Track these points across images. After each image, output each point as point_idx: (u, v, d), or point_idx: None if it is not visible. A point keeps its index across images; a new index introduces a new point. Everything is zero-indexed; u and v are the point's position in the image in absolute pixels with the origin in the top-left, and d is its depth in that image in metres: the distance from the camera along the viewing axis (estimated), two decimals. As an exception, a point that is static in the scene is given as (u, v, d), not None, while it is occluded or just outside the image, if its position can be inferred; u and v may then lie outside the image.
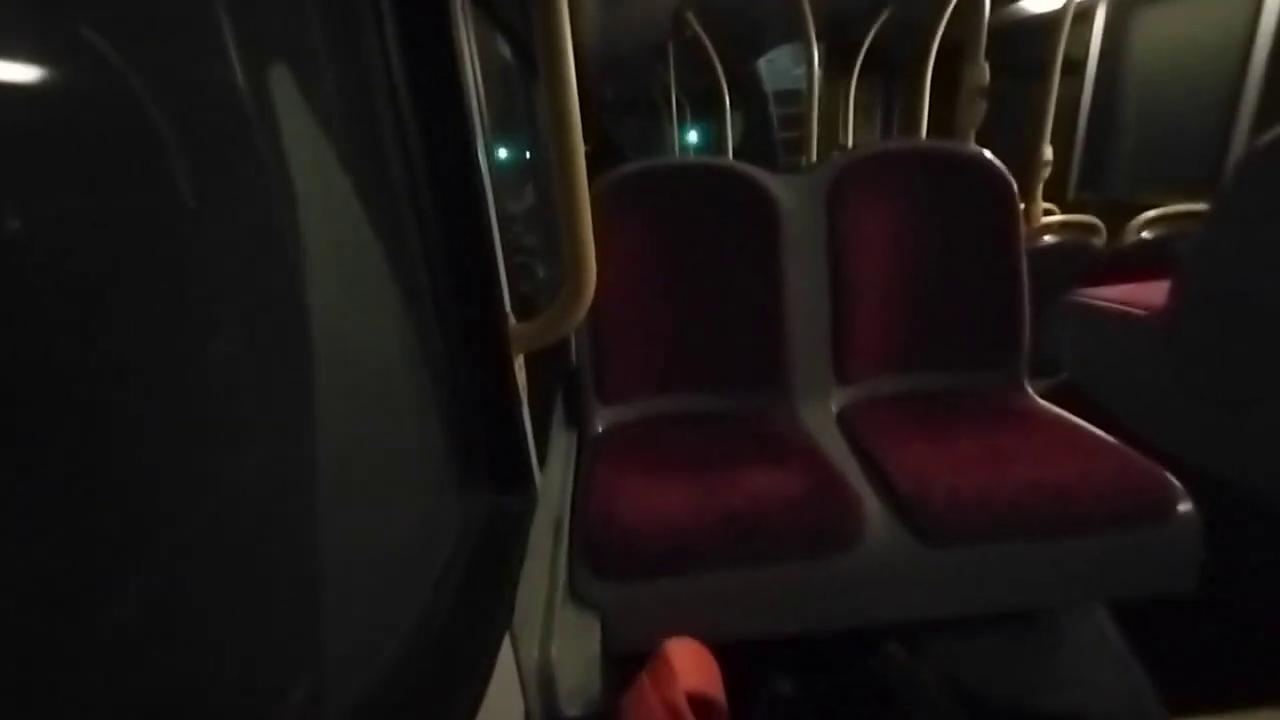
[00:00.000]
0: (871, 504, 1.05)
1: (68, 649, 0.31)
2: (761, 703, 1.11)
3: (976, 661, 1.17)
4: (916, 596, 1.04)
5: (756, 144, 5.92)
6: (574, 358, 1.44)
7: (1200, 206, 2.20)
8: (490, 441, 0.89)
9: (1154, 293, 1.50)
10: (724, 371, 1.43)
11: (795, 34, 2.91)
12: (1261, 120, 2.44)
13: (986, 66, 1.88)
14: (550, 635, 0.86)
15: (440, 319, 0.80)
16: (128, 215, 0.37)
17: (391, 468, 0.70)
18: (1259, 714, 0.70)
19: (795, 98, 5.30)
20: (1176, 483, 1.01)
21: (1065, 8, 2.38)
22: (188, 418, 0.40)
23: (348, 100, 0.66)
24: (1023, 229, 1.40)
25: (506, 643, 0.73)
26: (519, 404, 0.88)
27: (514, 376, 0.86)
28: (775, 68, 5.55)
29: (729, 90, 3.96)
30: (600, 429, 1.39)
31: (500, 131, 1.20)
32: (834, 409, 1.41)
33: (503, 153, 1.29)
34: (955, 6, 2.67)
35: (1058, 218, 2.64)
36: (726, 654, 0.94)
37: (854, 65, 3.92)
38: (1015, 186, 1.38)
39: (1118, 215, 2.52)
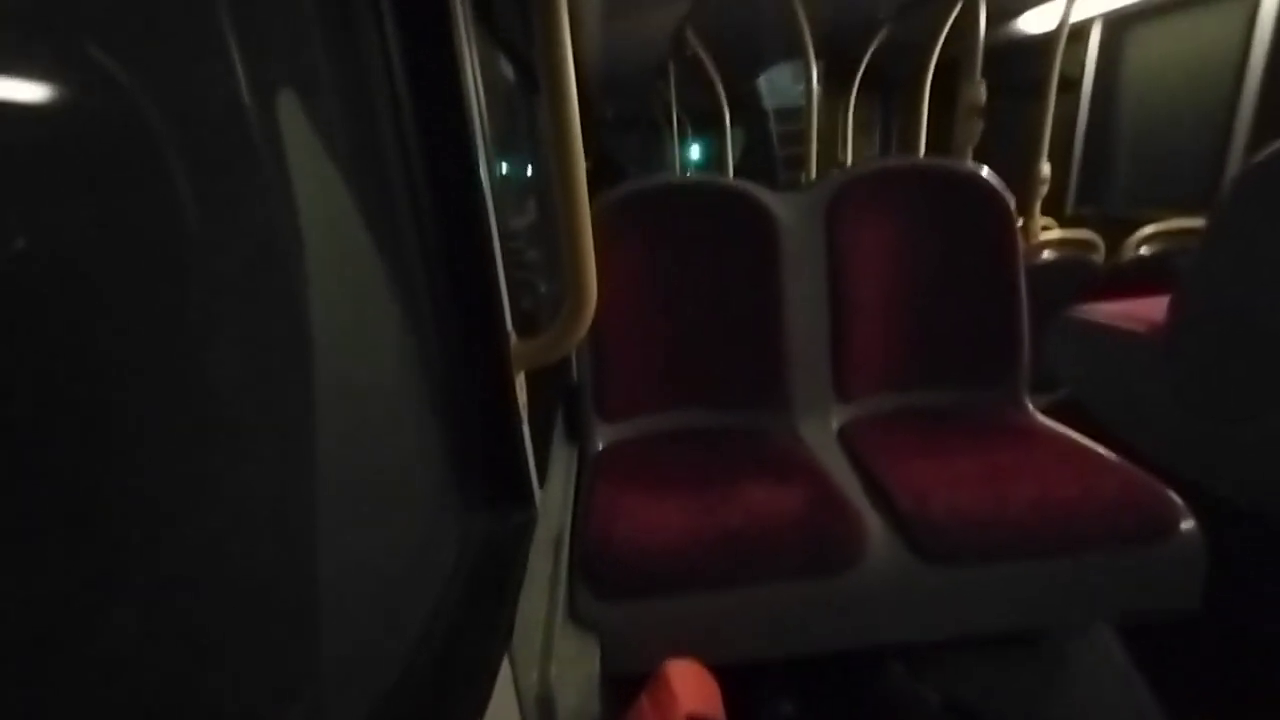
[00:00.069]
0: (873, 522, 1.04)
1: (61, 672, 0.31)
2: (762, 724, 1.09)
3: (980, 682, 1.16)
4: (918, 616, 1.03)
5: (757, 160, 5.98)
6: (575, 374, 1.44)
7: (1198, 222, 2.21)
8: (490, 460, 0.89)
9: (1153, 309, 1.50)
10: (725, 388, 1.43)
11: (794, 52, 2.95)
12: (1257, 137, 2.46)
13: (983, 85, 1.90)
14: (549, 656, 0.86)
15: (441, 337, 0.80)
16: (124, 232, 0.37)
17: (391, 486, 0.70)
18: None
19: (795, 115, 5.35)
20: (1178, 500, 1.00)
21: (1060, 27, 2.41)
22: (189, 433, 0.40)
23: (351, 115, 0.67)
24: (1021, 245, 1.41)
25: (505, 664, 0.72)
26: (519, 422, 0.88)
27: (515, 394, 0.86)
28: (775, 85, 5.61)
29: (729, 108, 4.01)
30: (601, 446, 1.39)
31: (502, 148, 1.21)
32: (834, 426, 1.41)
33: (505, 169, 1.30)
34: (952, 26, 2.71)
35: (1056, 234, 2.65)
36: (727, 675, 0.93)
37: (852, 83, 3.96)
38: (1012, 203, 1.38)
39: (1115, 231, 2.53)
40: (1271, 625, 1.11)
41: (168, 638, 0.38)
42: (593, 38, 2.89)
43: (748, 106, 5.71)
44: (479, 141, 0.77)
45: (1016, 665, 1.18)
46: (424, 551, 0.75)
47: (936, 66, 2.99)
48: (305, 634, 0.51)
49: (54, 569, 0.31)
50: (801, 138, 2.85)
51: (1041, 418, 1.33)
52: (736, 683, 0.93)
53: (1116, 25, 3.14)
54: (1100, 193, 3.39)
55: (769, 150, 5.79)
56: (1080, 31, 3.21)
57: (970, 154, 1.95)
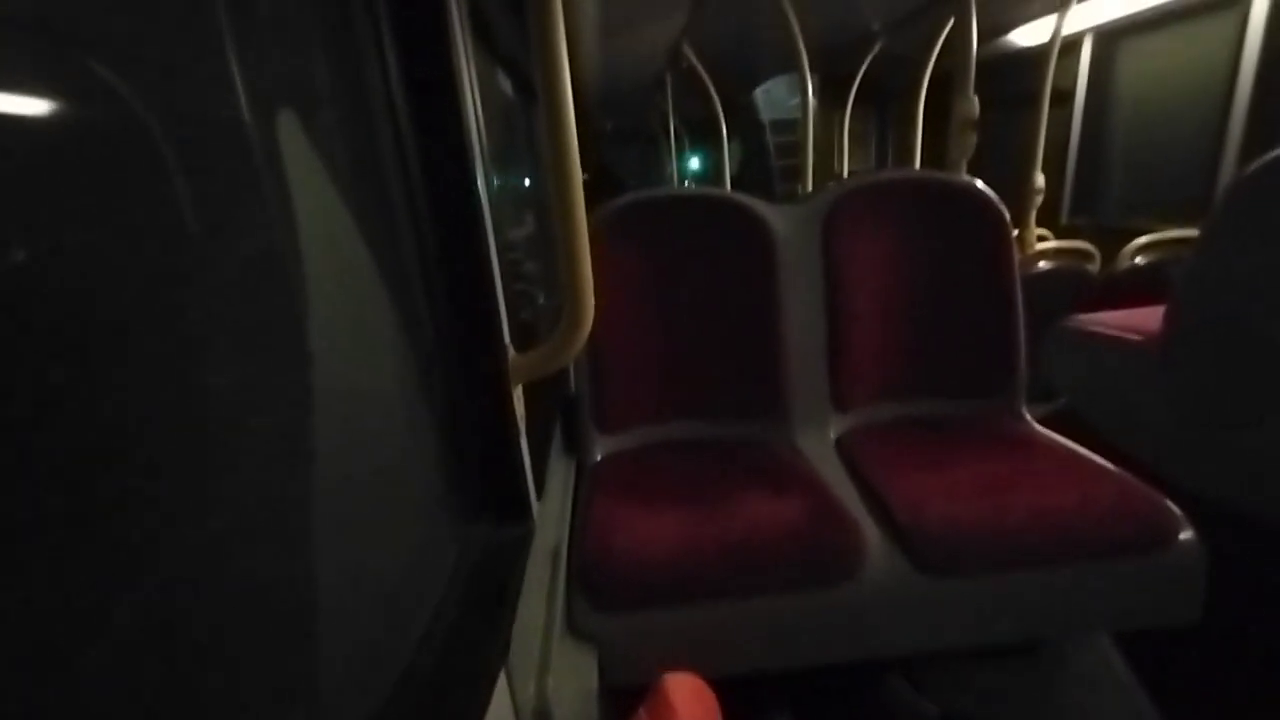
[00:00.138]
0: (871, 533, 1.04)
1: (61, 674, 0.31)
2: (762, 737, 1.09)
3: (979, 693, 1.15)
4: (917, 627, 1.03)
5: (754, 172, 6.02)
6: (573, 386, 1.44)
7: (1192, 232, 2.22)
8: (488, 472, 0.89)
9: (1149, 318, 1.51)
10: (723, 400, 1.44)
11: (790, 66, 2.98)
12: (1248, 147, 2.48)
13: (976, 99, 1.92)
14: (547, 669, 0.85)
15: (439, 350, 0.81)
16: (123, 244, 0.37)
17: (389, 498, 0.70)
18: None
19: (791, 127, 5.40)
20: (1177, 510, 1.00)
21: (1052, 40, 2.44)
22: (191, 441, 0.41)
23: (349, 129, 0.67)
24: (1016, 255, 1.41)
25: (502, 676, 0.72)
26: (517, 434, 0.88)
27: (512, 407, 0.86)
28: (771, 98, 5.66)
29: (726, 120, 4.04)
30: (599, 457, 1.39)
31: (501, 161, 1.22)
32: (832, 436, 1.41)
33: (504, 182, 1.31)
34: (945, 40, 2.74)
35: (1051, 244, 2.67)
36: (725, 687, 0.93)
37: (848, 96, 4.00)
38: (1007, 215, 1.39)
39: (1111, 241, 2.55)
40: (1270, 633, 1.10)
41: (158, 648, 0.38)
42: (591, 52, 2.92)
43: (744, 119, 5.76)
44: (477, 155, 0.77)
45: (1015, 675, 1.18)
46: (422, 563, 0.75)
47: (931, 79, 3.02)
48: (301, 645, 0.51)
49: (54, 574, 0.31)
50: (797, 149, 2.88)
51: (1039, 427, 1.33)
52: (734, 695, 0.93)
53: (1108, 38, 3.18)
54: (1094, 204, 3.42)
55: (766, 162, 5.83)
56: (1072, 45, 3.25)
57: (964, 167, 1.97)
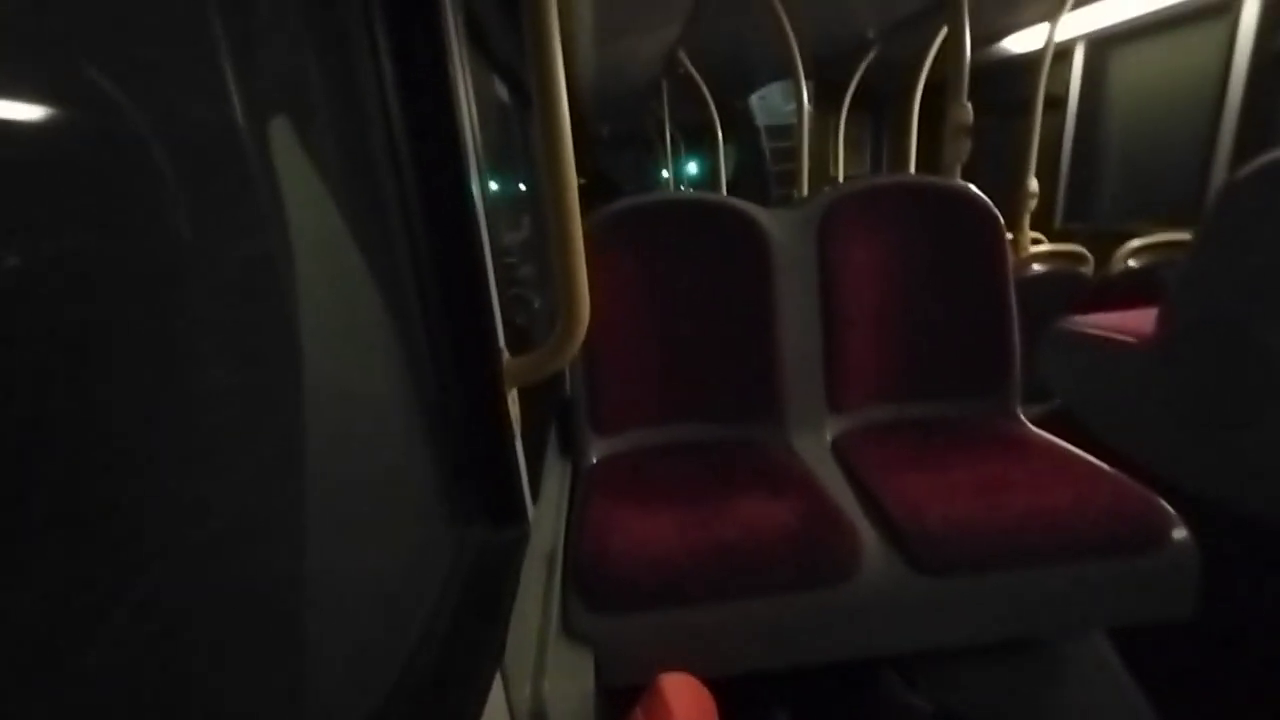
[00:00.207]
0: (867, 534, 1.05)
1: (58, 676, 0.31)
2: (759, 739, 1.08)
3: (975, 692, 1.15)
4: (913, 627, 1.03)
5: (749, 177, 6.05)
6: (568, 389, 1.45)
7: (1184, 235, 2.24)
8: (483, 475, 0.89)
9: (1143, 320, 1.52)
10: (718, 402, 1.44)
11: (786, 72, 3.00)
12: (1239, 151, 2.50)
13: (970, 106, 1.94)
14: (543, 671, 0.85)
15: (434, 354, 0.81)
16: (117, 249, 0.37)
17: (384, 502, 0.70)
18: None
19: (787, 132, 5.43)
20: (1170, 509, 1.01)
21: (1045, 47, 2.46)
22: (180, 447, 0.41)
23: (343, 133, 0.68)
24: (1010, 259, 1.42)
25: (498, 679, 0.72)
26: (512, 438, 0.88)
27: (507, 411, 0.86)
28: (767, 104, 5.70)
29: (722, 125, 4.06)
30: (594, 460, 1.39)
31: (497, 166, 1.22)
32: (828, 438, 1.41)
33: (499, 186, 1.31)
34: (939, 47, 2.76)
35: (1045, 247, 2.68)
36: (722, 688, 0.93)
37: (843, 101, 4.02)
38: (1001, 219, 1.40)
39: (1104, 244, 2.56)
40: (1264, 632, 1.11)
41: (152, 647, 0.38)
42: (587, 57, 2.93)
43: (740, 124, 5.79)
44: (471, 159, 0.78)
45: (1011, 674, 1.18)
46: (417, 566, 0.75)
47: (926, 85, 3.05)
48: (297, 647, 0.51)
49: (52, 576, 0.31)
50: (793, 155, 2.89)
51: (1033, 428, 1.34)
52: (731, 695, 0.93)
53: (1100, 45, 3.21)
54: (1087, 208, 3.44)
55: (761, 167, 5.87)
56: (1065, 52, 3.28)
57: (959, 172, 1.98)
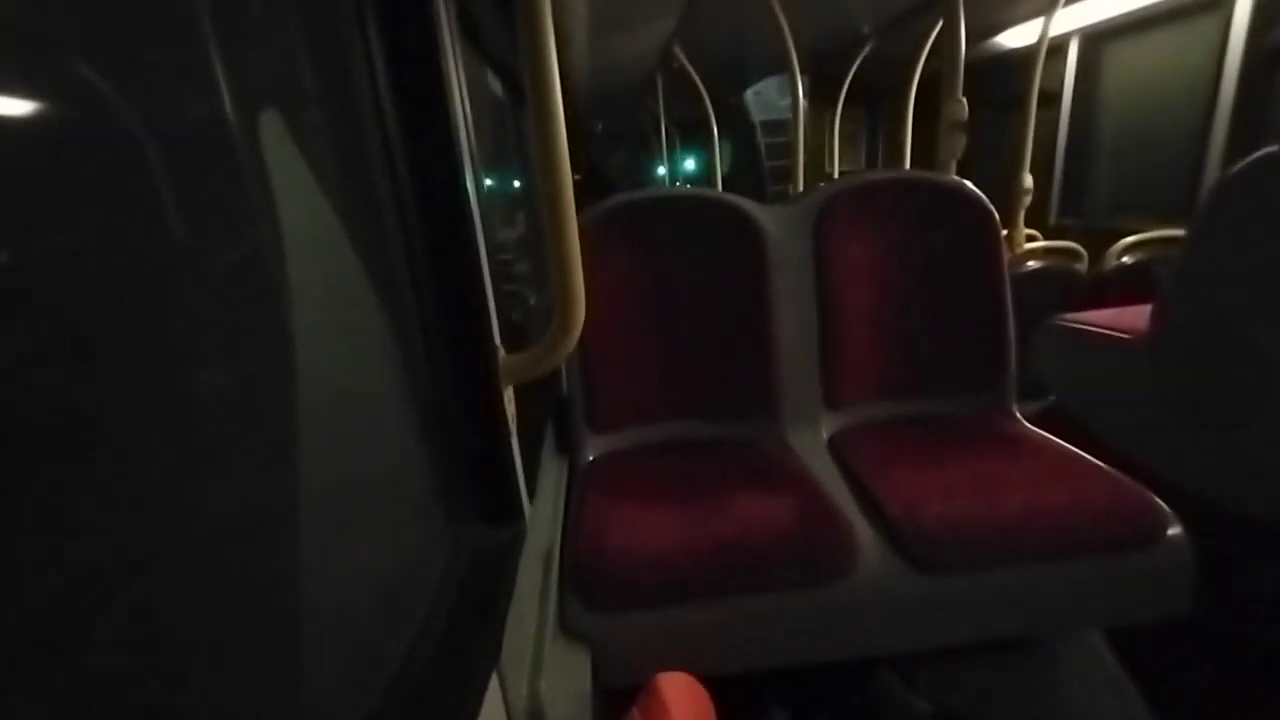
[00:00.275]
0: (864, 532, 1.05)
1: (55, 678, 0.31)
2: (756, 736, 1.09)
3: (972, 690, 1.16)
4: (910, 625, 1.03)
5: (745, 172, 6.04)
6: (564, 386, 1.44)
7: (1178, 232, 2.25)
8: (479, 473, 0.88)
9: (1137, 316, 1.53)
10: (714, 399, 1.44)
11: (781, 67, 3.00)
12: (1232, 148, 2.51)
13: (964, 101, 1.94)
14: (539, 671, 0.85)
15: (429, 352, 0.80)
16: (111, 248, 0.37)
17: (379, 500, 0.69)
18: None
19: (782, 127, 5.42)
20: (1165, 506, 1.01)
21: (1039, 43, 2.47)
22: (174, 447, 0.40)
23: (336, 131, 0.67)
24: (1005, 255, 1.43)
25: (494, 678, 0.72)
26: (508, 436, 0.87)
27: (503, 409, 0.86)
28: (762, 99, 5.69)
29: (717, 121, 4.05)
30: (591, 458, 1.39)
31: (491, 162, 1.22)
32: (824, 435, 1.42)
33: (494, 182, 1.31)
34: (934, 42, 2.76)
35: (1040, 244, 2.69)
36: (719, 687, 0.93)
37: (838, 97, 4.02)
38: (996, 215, 1.41)
39: (1098, 241, 2.57)
40: (1259, 629, 1.11)
41: (144, 652, 0.37)
42: (581, 53, 2.92)
43: (735, 120, 5.78)
44: (465, 156, 0.77)
45: (1007, 671, 1.18)
46: (413, 565, 0.74)
47: (921, 81, 3.05)
48: (293, 647, 0.50)
49: (50, 577, 0.31)
50: (789, 150, 2.89)
51: (1029, 426, 1.34)
52: (728, 694, 0.93)
53: (1094, 41, 3.22)
54: (1082, 204, 3.45)
55: (757, 162, 5.86)
56: (1059, 47, 3.28)
57: (954, 167, 1.98)
